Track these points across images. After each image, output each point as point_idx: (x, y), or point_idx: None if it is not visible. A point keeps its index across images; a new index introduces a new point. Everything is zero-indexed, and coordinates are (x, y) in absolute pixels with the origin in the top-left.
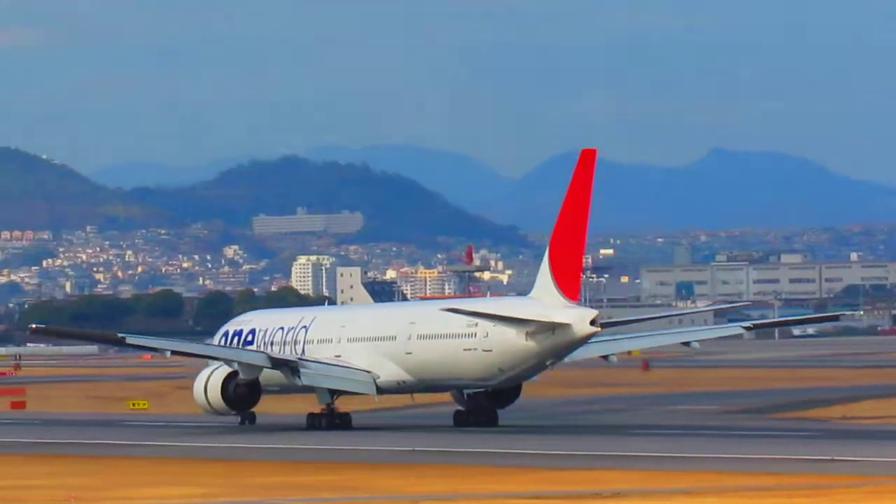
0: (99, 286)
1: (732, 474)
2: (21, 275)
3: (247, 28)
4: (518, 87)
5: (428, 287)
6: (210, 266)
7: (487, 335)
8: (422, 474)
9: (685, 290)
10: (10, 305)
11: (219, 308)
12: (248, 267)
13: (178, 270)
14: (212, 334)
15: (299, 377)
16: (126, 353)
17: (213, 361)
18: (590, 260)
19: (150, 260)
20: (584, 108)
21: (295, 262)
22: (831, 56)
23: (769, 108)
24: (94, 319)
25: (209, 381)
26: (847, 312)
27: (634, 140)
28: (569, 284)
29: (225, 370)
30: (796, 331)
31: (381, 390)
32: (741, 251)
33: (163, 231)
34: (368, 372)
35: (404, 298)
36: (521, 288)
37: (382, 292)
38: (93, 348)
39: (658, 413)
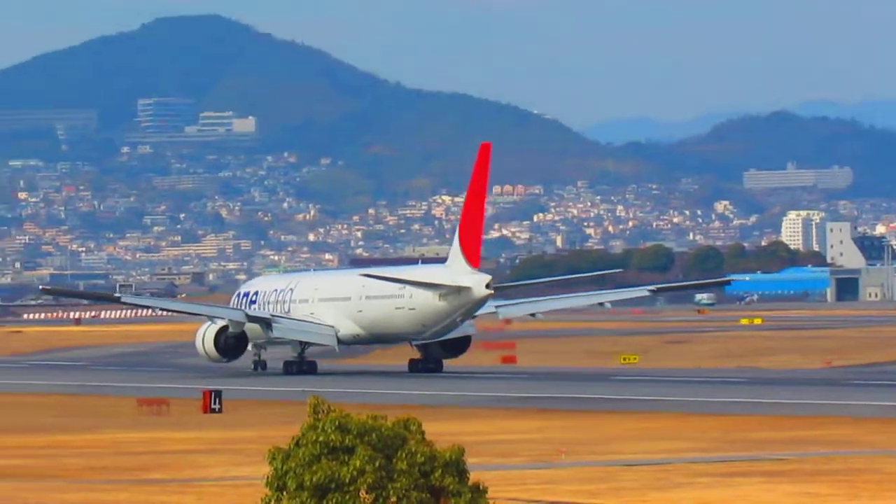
0: (589, 241)
1: None
2: (512, 229)
3: None
4: None
5: None
6: (700, 221)
7: (412, 296)
8: None
9: None
10: (502, 259)
11: (709, 263)
12: (738, 222)
13: (669, 225)
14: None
15: (272, 331)
16: (615, 306)
17: (216, 317)
18: None
19: (641, 215)
20: None
21: (785, 218)
22: None
23: None
24: (584, 274)
25: (205, 334)
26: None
27: None
28: (471, 254)
29: (218, 325)
30: None
31: (341, 342)
32: None
33: (654, 186)
34: (332, 326)
35: (894, 254)
36: None
37: (872, 247)
38: (584, 302)
39: None
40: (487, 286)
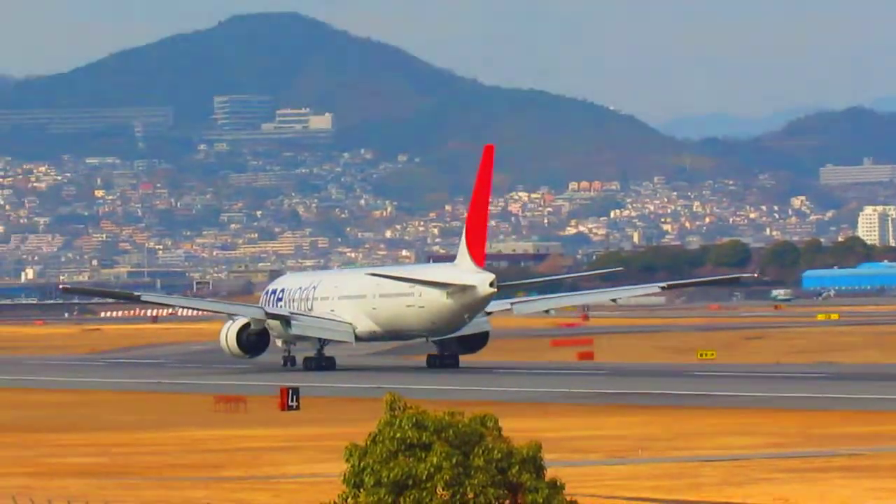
0: (666, 237)
1: None
2: (589, 225)
3: None
4: None
5: None
6: (777, 216)
7: (421, 295)
8: None
9: None
10: (578, 256)
11: (786, 259)
12: (814, 217)
13: (746, 221)
14: (777, 284)
15: (291, 328)
16: (694, 303)
17: (237, 315)
18: None
19: (718, 210)
20: None
21: (861, 213)
22: None
23: None
24: (661, 270)
25: (228, 331)
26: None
27: None
28: (477, 253)
29: (241, 322)
30: None
31: (358, 338)
32: None
33: (730, 182)
34: (350, 323)
35: None
36: None
37: None
38: (660, 299)
39: None
40: (491, 284)
